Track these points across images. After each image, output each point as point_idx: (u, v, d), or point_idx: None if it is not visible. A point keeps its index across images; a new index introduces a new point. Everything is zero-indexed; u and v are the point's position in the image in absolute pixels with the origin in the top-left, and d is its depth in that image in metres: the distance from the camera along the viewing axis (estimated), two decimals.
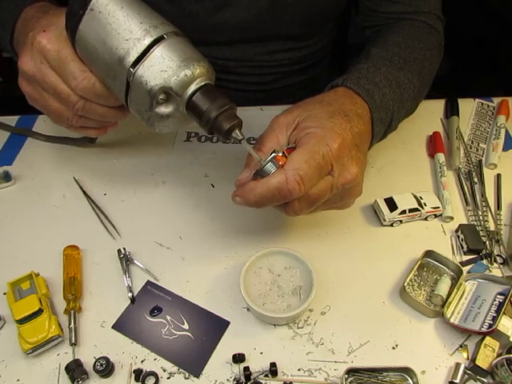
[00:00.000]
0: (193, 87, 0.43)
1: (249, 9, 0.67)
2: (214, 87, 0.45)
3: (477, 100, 0.78)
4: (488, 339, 0.48)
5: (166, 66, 0.42)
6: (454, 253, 0.57)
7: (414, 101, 0.63)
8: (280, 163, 0.45)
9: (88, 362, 0.47)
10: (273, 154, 0.45)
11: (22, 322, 0.48)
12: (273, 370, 0.46)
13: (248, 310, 0.52)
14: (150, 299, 0.53)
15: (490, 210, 0.61)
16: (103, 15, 0.43)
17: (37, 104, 0.52)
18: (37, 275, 0.53)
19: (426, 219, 0.60)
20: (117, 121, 0.54)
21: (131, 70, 0.42)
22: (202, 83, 0.43)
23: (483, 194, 0.63)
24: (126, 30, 0.43)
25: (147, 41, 0.42)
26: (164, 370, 0.47)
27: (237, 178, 0.48)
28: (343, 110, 0.49)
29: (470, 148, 0.71)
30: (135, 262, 0.56)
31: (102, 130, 0.55)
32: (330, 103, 0.50)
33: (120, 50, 0.42)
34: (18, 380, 0.47)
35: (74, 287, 0.52)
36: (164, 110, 0.45)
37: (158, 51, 0.42)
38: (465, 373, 0.46)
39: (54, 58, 0.47)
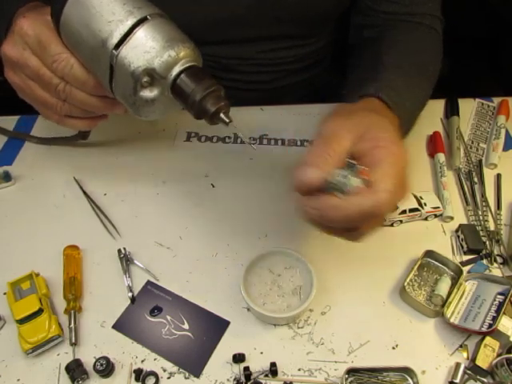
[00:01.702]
0: (177, 69, 0.42)
1: (249, 7, 0.67)
2: (199, 68, 0.43)
3: (477, 100, 0.78)
4: (488, 339, 0.48)
5: (149, 47, 0.41)
6: (453, 253, 0.57)
7: (422, 107, 0.64)
8: (365, 178, 0.39)
9: (88, 361, 0.47)
10: (356, 167, 0.40)
11: (22, 321, 0.48)
12: (273, 370, 0.46)
13: (248, 309, 0.52)
14: (150, 299, 0.53)
15: (490, 210, 0.61)
16: None
17: (24, 95, 0.52)
18: (37, 275, 0.53)
19: (426, 219, 0.60)
20: (103, 113, 0.53)
21: (114, 51, 0.42)
22: (187, 65, 0.42)
23: (483, 194, 0.63)
24: (109, 11, 0.42)
25: (130, 21, 0.41)
26: (164, 370, 0.47)
27: (300, 175, 0.41)
28: (393, 122, 0.48)
29: (470, 148, 0.71)
30: (135, 261, 0.56)
31: (90, 122, 0.54)
32: (384, 115, 0.48)
33: (103, 32, 0.42)
34: (18, 380, 0.47)
35: (74, 287, 0.52)
36: (149, 93, 0.43)
37: (142, 32, 0.41)
38: (465, 373, 0.46)
39: (34, 42, 0.47)
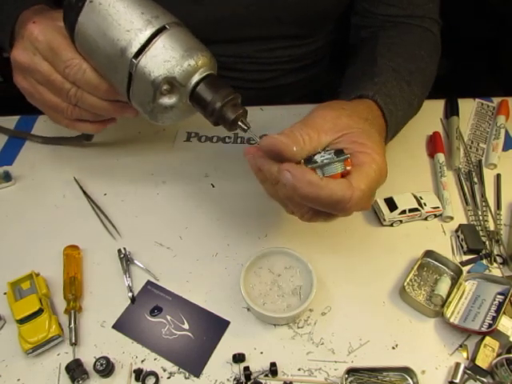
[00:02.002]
0: (196, 77, 0.43)
1: (249, 6, 0.68)
2: (217, 77, 0.44)
3: (477, 100, 0.78)
4: (488, 339, 0.48)
5: (169, 56, 0.42)
6: (453, 253, 0.57)
7: (413, 115, 0.64)
8: (348, 168, 0.41)
9: (88, 361, 0.47)
10: (345, 156, 0.41)
11: (22, 321, 0.48)
12: (273, 370, 0.47)
13: (248, 309, 0.52)
14: (150, 299, 0.53)
15: (490, 210, 0.62)
16: (103, 6, 0.43)
17: (33, 99, 0.52)
18: (37, 275, 0.53)
19: (426, 219, 0.60)
20: (114, 117, 0.54)
21: (133, 60, 0.42)
22: (206, 73, 0.43)
23: (483, 194, 0.63)
24: (127, 20, 0.42)
25: (149, 31, 0.42)
26: (164, 370, 0.48)
27: (273, 140, 0.41)
28: (381, 131, 0.50)
29: (470, 148, 0.71)
30: (135, 261, 0.56)
31: (99, 125, 0.55)
32: (373, 123, 0.48)
33: (122, 41, 0.42)
34: (19, 380, 0.47)
35: (74, 287, 0.52)
36: (168, 100, 0.44)
37: (161, 41, 0.42)
38: (465, 373, 0.46)
39: (45, 48, 0.47)
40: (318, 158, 0.41)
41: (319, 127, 0.43)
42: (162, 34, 0.42)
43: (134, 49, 0.42)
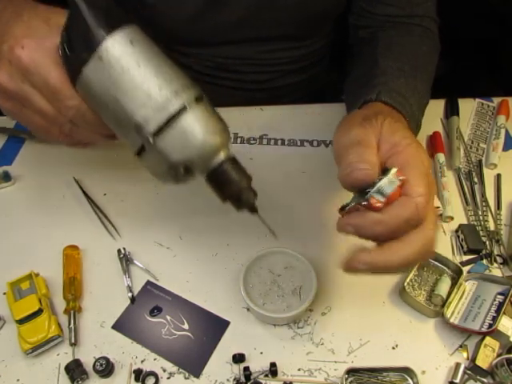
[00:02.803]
0: (216, 161, 0.41)
1: (248, 7, 0.67)
2: (235, 158, 0.43)
3: (477, 100, 0.78)
4: (488, 339, 0.48)
5: (188, 141, 0.39)
6: (453, 253, 0.57)
7: (424, 109, 0.62)
8: (402, 178, 0.38)
9: (88, 361, 0.47)
10: (391, 168, 0.38)
11: (21, 322, 0.48)
12: (273, 370, 0.46)
13: (248, 310, 0.52)
14: (150, 299, 0.53)
15: (490, 210, 0.61)
16: (115, 70, 0.38)
17: (18, 119, 0.46)
18: (37, 275, 0.53)
19: None
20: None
21: (150, 139, 0.39)
22: (225, 157, 0.41)
23: (483, 194, 0.63)
24: (144, 93, 0.38)
25: (168, 112, 0.38)
26: (164, 370, 0.47)
27: (351, 169, 0.38)
28: (400, 120, 0.48)
29: (470, 148, 0.71)
30: (135, 262, 0.56)
31: (87, 145, 0.51)
32: (387, 116, 0.46)
33: (137, 116, 0.38)
34: (18, 380, 0.47)
35: (73, 287, 0.52)
36: (181, 177, 0.42)
37: (180, 125, 0.39)
38: (465, 373, 0.46)
39: (38, 81, 0.41)
40: (376, 181, 0.38)
41: (371, 144, 0.41)
42: (181, 116, 0.38)
43: (151, 129, 0.38)
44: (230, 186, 0.42)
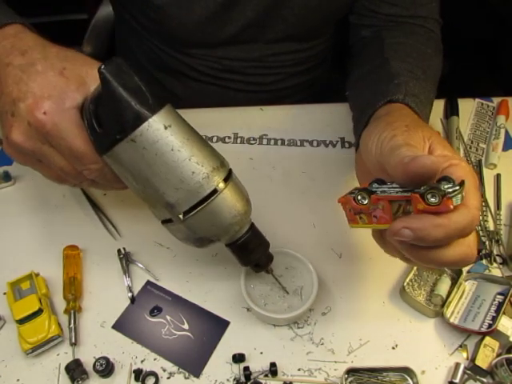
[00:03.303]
0: (239, 234, 0.44)
1: (257, 8, 0.67)
2: (254, 226, 0.46)
3: (477, 100, 0.78)
4: (488, 339, 0.48)
5: (216, 221, 0.41)
6: None
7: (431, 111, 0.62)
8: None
9: (88, 361, 0.47)
10: (451, 177, 0.36)
11: (21, 321, 0.48)
12: (273, 370, 0.46)
13: (248, 310, 0.52)
14: (150, 299, 0.53)
15: (490, 210, 0.62)
16: (149, 153, 0.38)
17: (30, 166, 0.46)
18: (37, 275, 0.53)
19: None
20: None
21: (180, 217, 0.40)
22: (246, 229, 0.44)
23: (483, 194, 0.63)
24: (177, 177, 0.39)
25: (199, 196, 0.40)
26: (164, 370, 0.47)
27: (418, 159, 0.36)
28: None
29: (470, 148, 0.71)
30: (135, 261, 0.56)
31: None
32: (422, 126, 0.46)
33: (168, 197, 0.40)
34: (18, 380, 0.47)
35: (73, 287, 0.52)
36: (205, 246, 0.45)
37: (210, 207, 0.40)
38: (464, 373, 0.46)
39: (61, 145, 0.41)
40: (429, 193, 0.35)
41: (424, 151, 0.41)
42: (211, 199, 0.40)
43: (182, 210, 0.40)
44: (250, 255, 0.45)
